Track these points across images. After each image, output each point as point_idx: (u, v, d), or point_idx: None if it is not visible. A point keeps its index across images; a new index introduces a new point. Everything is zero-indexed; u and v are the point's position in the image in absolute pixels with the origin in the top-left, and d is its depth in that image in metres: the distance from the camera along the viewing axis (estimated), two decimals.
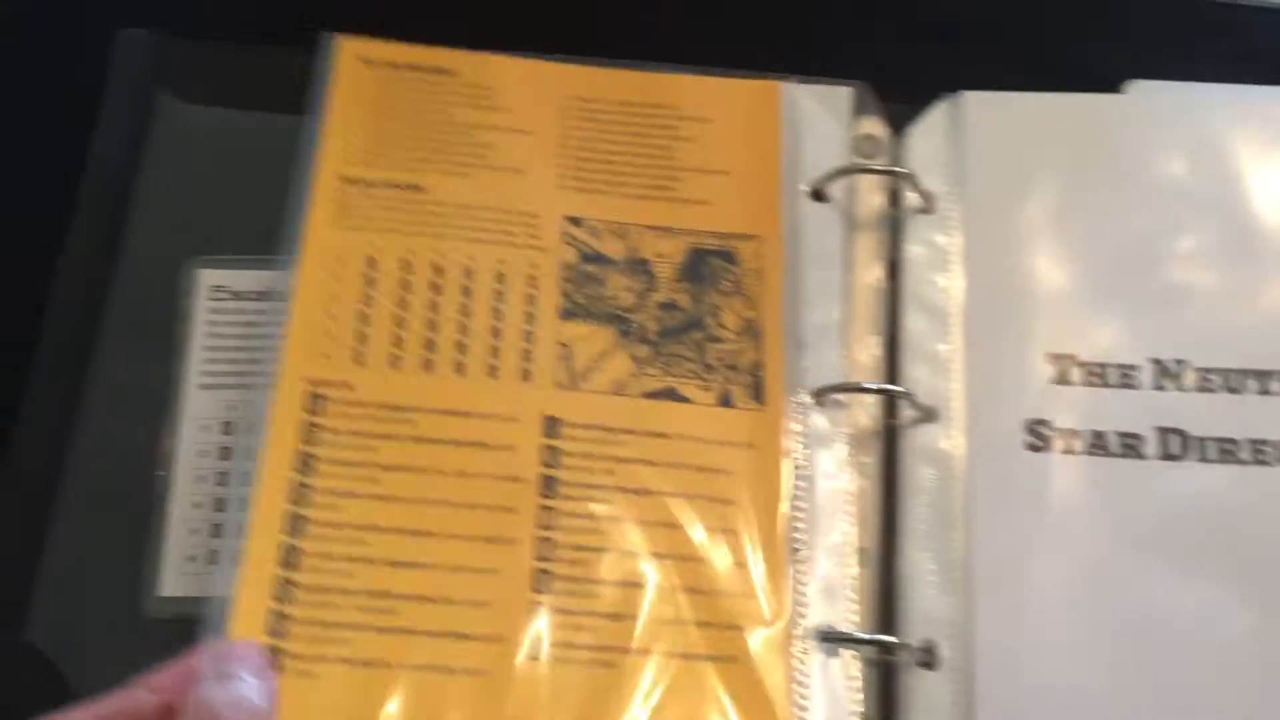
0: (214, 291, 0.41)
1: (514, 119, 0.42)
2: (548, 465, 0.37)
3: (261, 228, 0.41)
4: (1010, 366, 0.40)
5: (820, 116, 0.43)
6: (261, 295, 0.41)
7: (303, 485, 0.35)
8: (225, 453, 0.39)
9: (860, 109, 0.43)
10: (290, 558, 0.34)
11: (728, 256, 0.41)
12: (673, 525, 0.37)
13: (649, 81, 0.43)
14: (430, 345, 0.38)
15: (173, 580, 0.38)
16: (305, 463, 0.36)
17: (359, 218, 0.40)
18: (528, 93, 0.43)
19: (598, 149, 0.42)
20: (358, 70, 0.42)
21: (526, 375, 0.38)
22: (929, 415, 0.39)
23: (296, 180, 0.39)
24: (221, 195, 0.42)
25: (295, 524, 0.35)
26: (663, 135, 0.42)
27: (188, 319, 0.41)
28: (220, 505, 0.38)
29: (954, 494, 0.38)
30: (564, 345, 0.39)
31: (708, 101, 0.43)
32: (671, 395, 0.39)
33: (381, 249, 0.39)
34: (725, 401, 0.39)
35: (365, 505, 0.35)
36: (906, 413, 0.39)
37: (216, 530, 0.38)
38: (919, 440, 0.39)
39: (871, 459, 0.39)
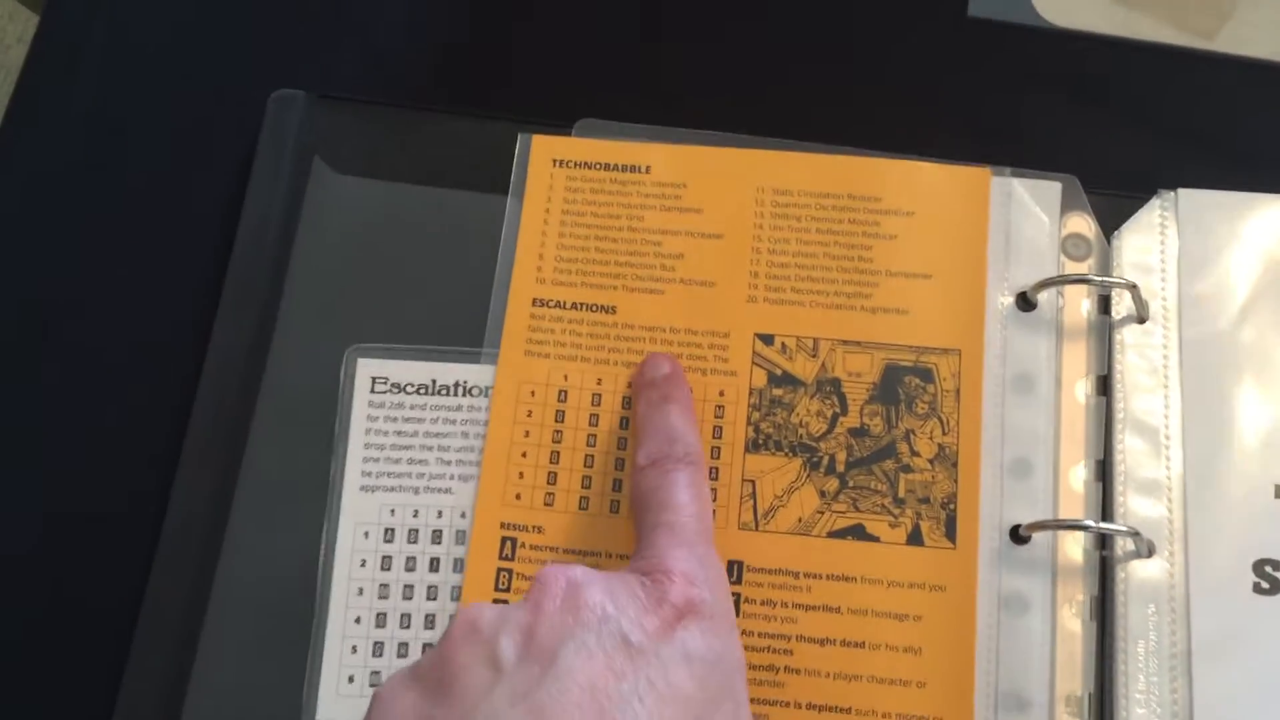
0: (374, 383, 0.39)
1: (706, 221, 0.39)
2: None
3: (422, 314, 0.39)
4: (1236, 498, 0.36)
5: (1030, 212, 0.39)
6: (423, 389, 0.38)
7: None
8: (386, 562, 0.37)
9: (1067, 204, 0.40)
10: None
11: (925, 374, 0.37)
12: (857, 678, 0.35)
13: (848, 167, 0.40)
14: (618, 485, 0.37)
15: (330, 703, 0.35)
16: None
17: (552, 343, 0.38)
18: (721, 188, 0.40)
19: (790, 251, 0.39)
20: (550, 173, 0.40)
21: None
22: (1147, 549, 0.36)
23: (496, 296, 0.39)
24: (378, 276, 0.40)
25: None
26: (861, 232, 0.39)
27: (345, 412, 0.38)
28: (381, 620, 0.36)
29: (1177, 636, 0.35)
30: (749, 481, 0.37)
31: (912, 191, 0.39)
32: (858, 533, 0.36)
33: (573, 379, 0.38)
34: (915, 539, 0.36)
35: None
36: (1123, 546, 0.36)
37: (378, 649, 0.36)
38: (1136, 576, 0.36)
39: (1081, 595, 0.36)
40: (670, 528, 0.32)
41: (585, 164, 0.40)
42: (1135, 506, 0.36)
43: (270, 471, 0.38)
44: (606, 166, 0.40)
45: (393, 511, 0.37)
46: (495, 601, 0.36)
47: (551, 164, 0.41)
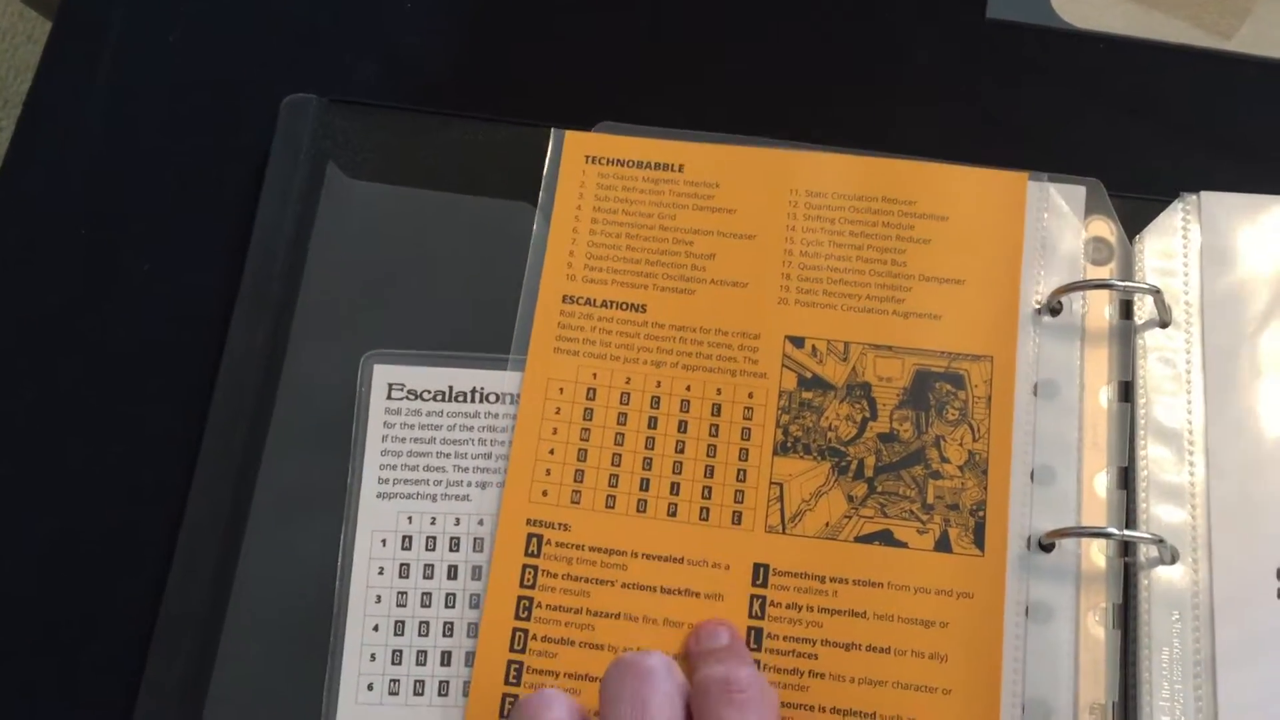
0: (390, 389, 0.38)
1: (738, 222, 0.39)
2: (755, 617, 0.35)
3: (438, 320, 0.39)
4: (1260, 504, 0.36)
5: (1060, 217, 0.39)
6: (440, 395, 0.38)
7: (521, 631, 0.33)
8: (404, 570, 0.36)
9: (1090, 207, 0.39)
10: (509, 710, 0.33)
11: (956, 380, 0.37)
12: (882, 683, 0.34)
13: (884, 169, 0.39)
14: (645, 485, 0.37)
15: (349, 712, 0.35)
16: (524, 608, 0.34)
17: (581, 341, 0.38)
18: (754, 188, 0.39)
19: (823, 253, 0.39)
20: (583, 170, 0.40)
21: (738, 519, 0.36)
22: (1171, 556, 0.36)
23: (527, 291, 0.39)
24: (393, 282, 0.39)
25: (515, 673, 0.33)
26: (895, 236, 0.39)
27: (362, 419, 0.38)
28: (400, 629, 0.36)
29: (1200, 644, 0.35)
30: (777, 484, 0.36)
31: (947, 195, 0.39)
32: (886, 539, 0.36)
33: (601, 377, 0.38)
34: (943, 545, 0.35)
35: (578, 654, 0.34)
36: (1146, 553, 0.36)
37: (397, 657, 0.36)
38: (1160, 583, 0.36)
39: (1105, 603, 0.36)
40: None
41: (618, 161, 0.40)
42: (1159, 513, 0.36)
43: (287, 479, 0.37)
44: (639, 165, 0.40)
45: (410, 519, 0.37)
46: (523, 603, 0.35)
47: (584, 160, 0.40)
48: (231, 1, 0.44)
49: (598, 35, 0.44)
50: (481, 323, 0.39)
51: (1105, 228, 0.39)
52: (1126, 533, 0.35)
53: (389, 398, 0.38)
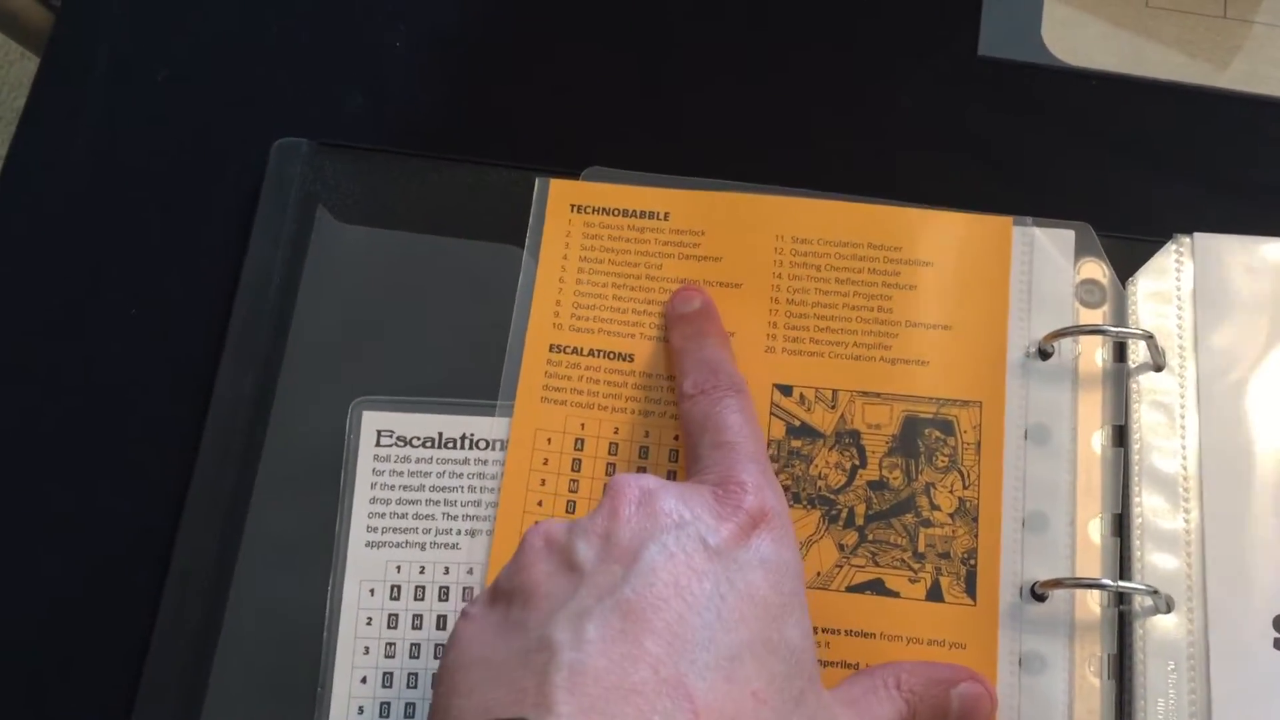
0: (379, 436, 0.38)
1: (724, 270, 0.39)
2: None
3: (427, 366, 0.39)
4: (1256, 552, 0.36)
5: (1049, 260, 0.39)
6: (430, 442, 0.38)
7: None
8: (393, 620, 0.36)
9: (1081, 250, 0.39)
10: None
11: (945, 426, 0.37)
12: None
13: (868, 216, 0.39)
14: None
15: None
16: None
17: (568, 390, 0.38)
18: (740, 235, 0.39)
19: (809, 300, 0.38)
20: (568, 219, 0.40)
21: None
22: (1167, 605, 0.35)
23: (514, 339, 0.39)
24: (382, 327, 0.39)
25: None
26: (881, 282, 0.38)
27: (350, 466, 0.38)
28: (388, 680, 0.36)
29: (1196, 694, 0.34)
30: None
31: (932, 240, 0.39)
32: (878, 588, 0.35)
33: (589, 428, 0.37)
34: (935, 594, 0.35)
35: None
36: (1141, 603, 0.35)
37: (385, 710, 0.35)
38: (1155, 633, 0.35)
39: (1100, 653, 0.35)
40: (732, 446, 0.32)
41: (604, 209, 0.40)
42: (1153, 561, 0.36)
43: (275, 526, 0.37)
44: (624, 213, 0.40)
45: (399, 568, 0.37)
46: None
47: (569, 209, 0.40)
48: (221, 41, 0.44)
49: (588, 78, 0.44)
50: (471, 368, 0.39)
51: (1097, 270, 0.39)
52: (1121, 584, 0.35)
53: (378, 444, 0.38)
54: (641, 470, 0.37)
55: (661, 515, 0.29)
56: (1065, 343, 0.38)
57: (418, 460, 0.38)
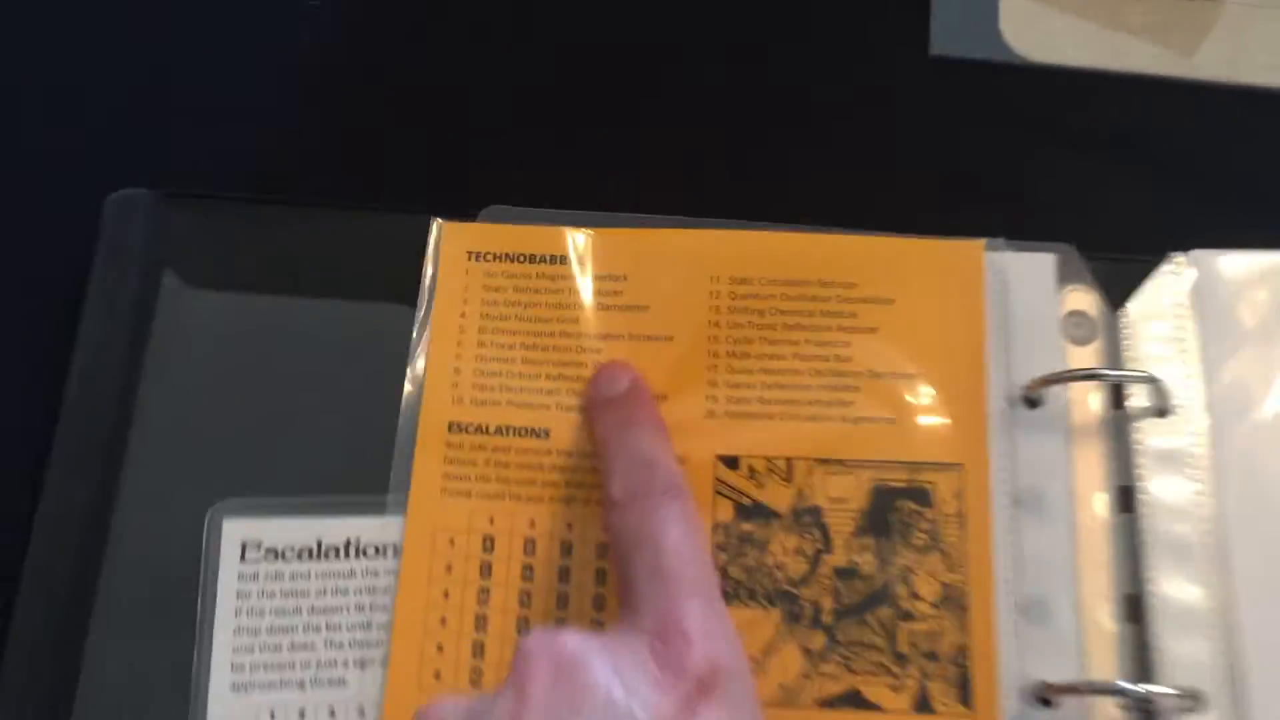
0: (245, 549, 0.31)
1: (653, 321, 0.33)
2: None
3: (301, 458, 0.32)
4: None
5: (1027, 290, 0.33)
6: (307, 553, 0.31)
7: None
8: None
9: (1065, 277, 0.34)
10: None
11: (921, 496, 0.31)
12: None
13: (816, 248, 0.33)
14: None
15: None
16: None
17: (474, 478, 0.32)
18: (669, 278, 0.33)
19: (754, 353, 0.32)
20: (465, 268, 0.33)
21: None
22: (1193, 702, 0.30)
23: (405, 418, 0.32)
24: (246, 414, 0.33)
25: None
26: (836, 326, 0.33)
27: (210, 589, 0.31)
28: None
29: None
30: None
31: (892, 273, 0.33)
32: (854, 701, 0.29)
33: (500, 523, 0.31)
34: (924, 705, 0.29)
35: None
36: (1166, 704, 0.30)
37: None
38: None
39: None
40: (672, 576, 0.26)
41: (506, 255, 0.34)
42: (1176, 649, 0.30)
43: (116, 669, 0.30)
44: (531, 258, 0.34)
45: (273, 713, 0.30)
46: None
47: (466, 257, 0.34)
48: (43, 84, 0.37)
49: (481, 104, 0.37)
50: (354, 458, 0.32)
51: (1085, 300, 0.33)
52: (1141, 687, 0.29)
53: (243, 560, 0.31)
54: (562, 584, 0.31)
55: (585, 693, 0.23)
56: (1054, 389, 0.32)
57: (293, 576, 0.31)
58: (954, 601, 0.30)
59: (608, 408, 0.31)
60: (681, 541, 0.27)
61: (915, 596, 0.30)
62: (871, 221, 0.34)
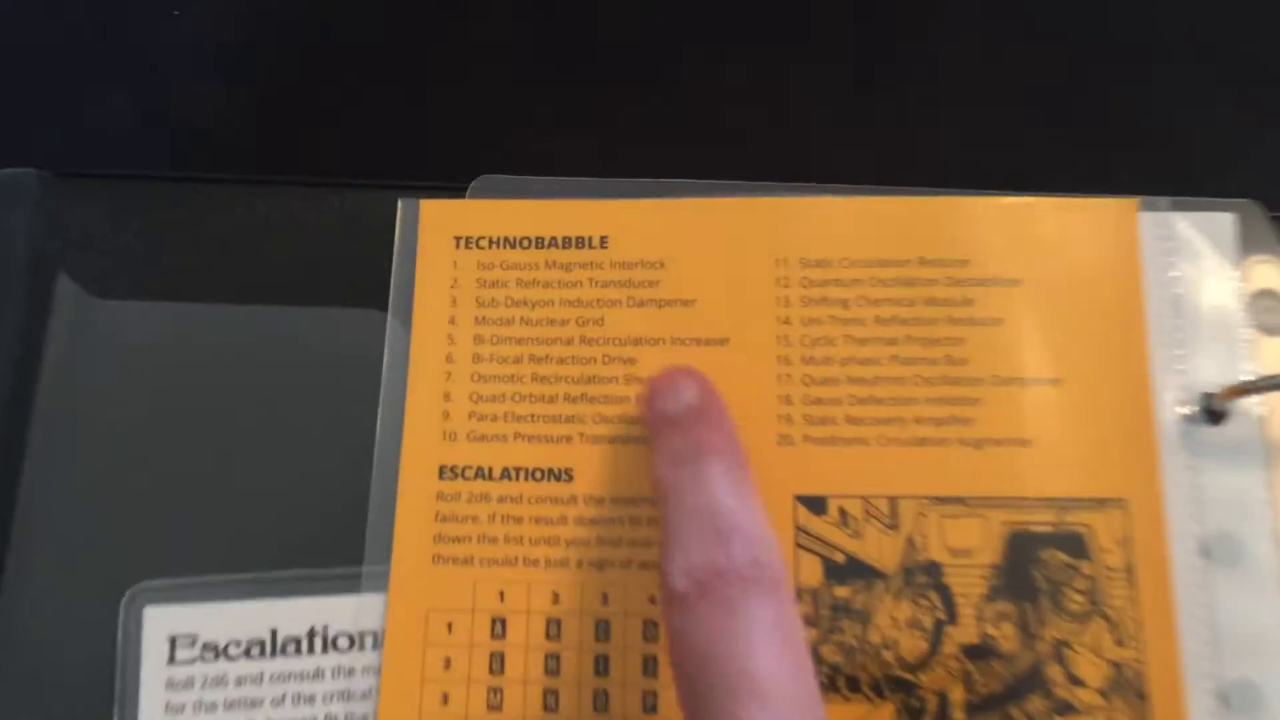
0: (174, 645, 0.24)
1: (700, 320, 0.25)
2: None
3: (247, 519, 0.24)
4: None
5: (1203, 263, 0.25)
6: (257, 647, 0.23)
7: None
8: None
9: (1248, 244, 0.26)
10: None
11: (1073, 544, 0.23)
12: None
13: (915, 214, 0.25)
14: None
15: None
16: None
17: (475, 539, 0.24)
18: (719, 262, 0.25)
19: (837, 358, 0.24)
20: (452, 258, 0.26)
21: None
22: None
23: (381, 463, 0.24)
24: (170, 462, 0.25)
25: None
26: (946, 318, 0.25)
27: (129, 700, 0.23)
28: None
29: None
30: None
31: (1018, 244, 0.25)
32: None
33: (512, 599, 0.24)
34: None
35: None
36: None
37: None
38: None
39: None
40: (764, 700, 0.18)
41: (505, 240, 0.26)
42: None
43: None
44: (538, 242, 0.26)
45: None
46: None
47: (453, 244, 0.26)
48: None
49: (467, 51, 0.29)
50: (317, 520, 0.24)
51: (1275, 274, 0.26)
52: None
53: (172, 660, 0.23)
54: (599, 677, 0.23)
55: None
56: (1247, 398, 0.24)
57: (239, 680, 0.23)
58: (1128, 686, 0.23)
59: (669, 432, 0.22)
60: (774, 662, 0.18)
61: (1075, 681, 0.23)
62: (977, 180, 0.26)
